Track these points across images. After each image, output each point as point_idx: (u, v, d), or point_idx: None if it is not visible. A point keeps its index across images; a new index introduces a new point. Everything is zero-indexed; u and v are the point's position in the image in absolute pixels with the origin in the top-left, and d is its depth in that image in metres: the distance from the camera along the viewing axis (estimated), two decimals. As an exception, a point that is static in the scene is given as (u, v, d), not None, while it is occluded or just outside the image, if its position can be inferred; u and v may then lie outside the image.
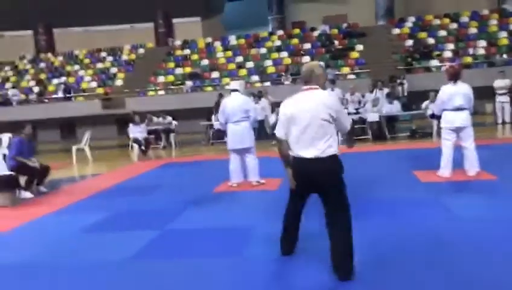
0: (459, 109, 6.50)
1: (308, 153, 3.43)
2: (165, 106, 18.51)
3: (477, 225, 4.54)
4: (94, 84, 23.52)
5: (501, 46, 19.93)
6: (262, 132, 13.98)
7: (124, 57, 25.37)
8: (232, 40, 24.47)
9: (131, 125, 12.32)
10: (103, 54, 25.82)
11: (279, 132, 3.62)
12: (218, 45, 24.25)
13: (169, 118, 15.07)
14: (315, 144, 3.42)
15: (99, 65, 25.03)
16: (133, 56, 25.22)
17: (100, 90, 22.74)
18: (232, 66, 22.33)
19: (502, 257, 3.68)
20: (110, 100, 21.63)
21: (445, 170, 6.75)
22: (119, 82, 23.26)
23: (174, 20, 27.23)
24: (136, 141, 11.98)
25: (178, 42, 25.38)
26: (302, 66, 18.69)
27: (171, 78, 22.41)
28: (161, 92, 21.57)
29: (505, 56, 19.07)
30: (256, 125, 7.13)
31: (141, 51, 25.51)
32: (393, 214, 5.09)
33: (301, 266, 3.76)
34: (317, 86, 3.57)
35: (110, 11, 26.20)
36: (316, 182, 3.46)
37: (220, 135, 13.63)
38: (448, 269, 3.53)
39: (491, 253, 3.78)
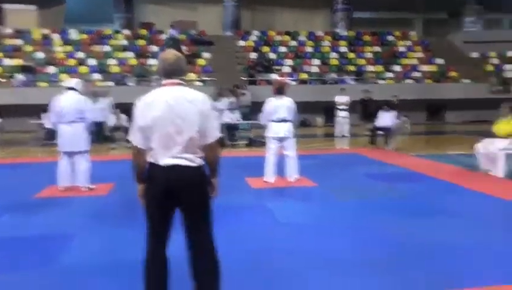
0: (283, 120, 7.06)
1: (174, 160, 2.80)
2: (-12, 101, 16.47)
3: (294, 228, 4.89)
4: None
5: (332, 65, 22.07)
6: (100, 134, 13.29)
7: None
8: (73, 34, 22.88)
9: None
10: None
11: (135, 138, 2.86)
12: (56, 37, 22.43)
13: (-9, 114, 13.45)
14: (183, 150, 2.80)
15: None
16: (-49, 41, 21.99)
17: None
18: (72, 61, 20.86)
19: (313, 259, 3.99)
20: None
21: (269, 176, 7.21)
22: None
23: (5, 6, 24.42)
24: None
25: (9, 30, 22.86)
26: (148, 67, 17.99)
27: (-2, 69, 20.08)
28: (-15, 85, 19.15)
29: (334, 75, 21.15)
30: (92, 128, 6.77)
31: (-38, 36, 22.37)
32: (221, 219, 5.19)
33: (112, 275, 3.60)
34: (183, 82, 2.92)
35: None
36: (179, 195, 2.81)
37: (53, 135, 12.56)
38: (268, 272, 3.72)
39: (305, 255, 4.08)
